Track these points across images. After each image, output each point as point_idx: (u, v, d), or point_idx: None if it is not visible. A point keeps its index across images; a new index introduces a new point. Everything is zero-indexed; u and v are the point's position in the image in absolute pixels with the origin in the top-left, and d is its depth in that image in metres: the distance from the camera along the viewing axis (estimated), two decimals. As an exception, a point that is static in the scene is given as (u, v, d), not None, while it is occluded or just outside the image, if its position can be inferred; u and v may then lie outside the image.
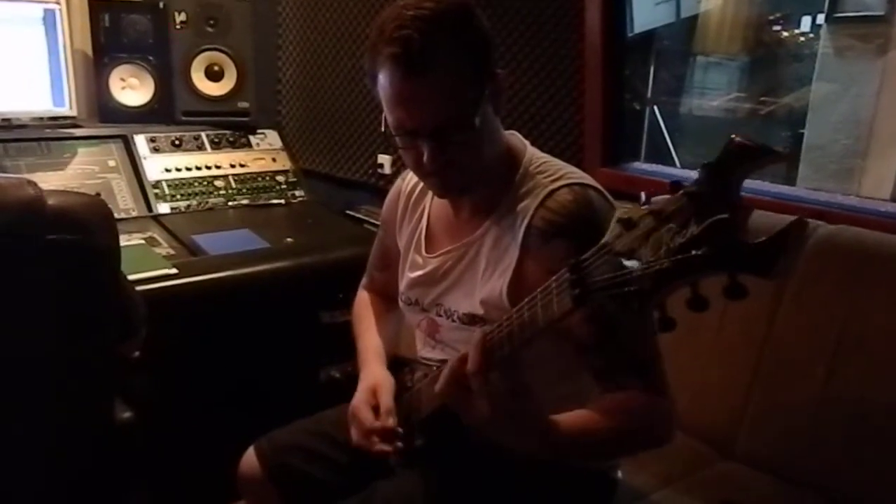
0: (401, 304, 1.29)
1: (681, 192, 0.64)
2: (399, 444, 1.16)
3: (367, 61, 1.05)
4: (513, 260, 1.07)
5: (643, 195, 0.69)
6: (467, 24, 1.03)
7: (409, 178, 1.29)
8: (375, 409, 1.19)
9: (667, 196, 0.65)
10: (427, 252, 1.22)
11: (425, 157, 1.04)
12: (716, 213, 0.61)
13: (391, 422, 1.17)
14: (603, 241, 0.73)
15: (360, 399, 1.22)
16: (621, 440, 1.02)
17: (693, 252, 0.61)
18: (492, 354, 0.89)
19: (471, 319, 1.13)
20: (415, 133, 1.04)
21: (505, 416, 0.89)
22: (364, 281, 1.48)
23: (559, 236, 1.03)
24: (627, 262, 0.68)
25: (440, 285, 1.19)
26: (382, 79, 1.03)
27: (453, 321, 1.17)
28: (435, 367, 1.15)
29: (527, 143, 1.17)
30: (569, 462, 1.09)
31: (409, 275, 1.25)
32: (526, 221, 1.06)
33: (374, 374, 1.25)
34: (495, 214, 1.11)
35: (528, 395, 0.91)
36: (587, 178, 1.10)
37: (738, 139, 0.62)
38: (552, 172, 1.10)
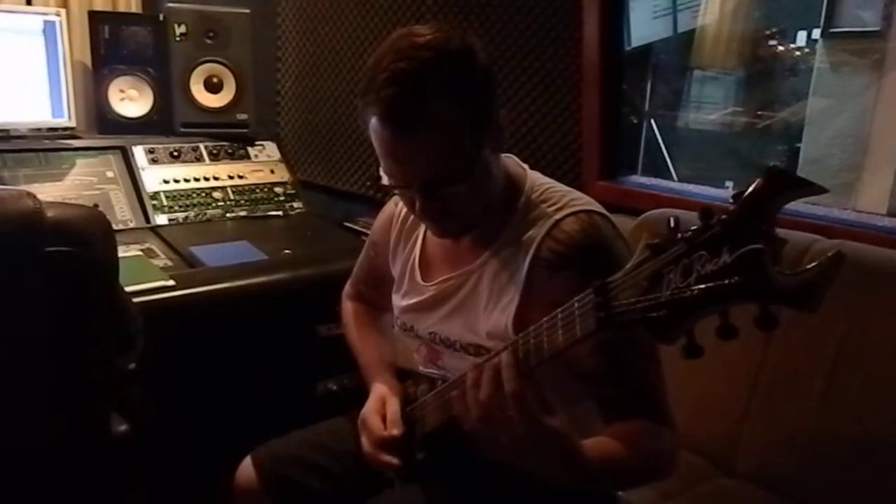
0: (395, 328, 1.28)
1: (714, 219, 0.64)
2: (400, 458, 1.15)
3: (359, 103, 1.01)
4: (518, 292, 1.04)
5: (672, 220, 0.68)
6: (466, 71, 0.98)
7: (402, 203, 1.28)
8: (385, 419, 1.18)
9: (697, 223, 0.65)
10: (423, 279, 1.20)
11: (417, 207, 1.03)
12: (749, 242, 0.60)
13: (395, 432, 1.16)
14: (630, 264, 0.72)
15: (370, 408, 1.21)
16: (635, 470, 0.99)
17: (725, 281, 0.61)
18: (527, 374, 0.85)
19: (477, 350, 1.11)
20: (406, 185, 1.02)
21: (539, 437, 0.84)
22: (350, 291, 1.47)
23: (567, 268, 1.00)
24: (655, 288, 0.67)
25: (437, 313, 1.16)
26: (373, 128, 0.99)
27: (456, 350, 1.15)
28: (440, 382, 1.14)
29: (525, 166, 1.14)
30: (585, 489, 1.04)
31: (404, 301, 1.23)
32: (531, 253, 1.04)
33: (384, 384, 1.25)
34: (497, 244, 1.09)
35: (556, 416, 0.87)
36: (592, 204, 1.07)
37: (776, 169, 0.62)
38: (556, 200, 1.07)
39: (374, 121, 0.98)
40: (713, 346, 0.67)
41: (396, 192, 1.08)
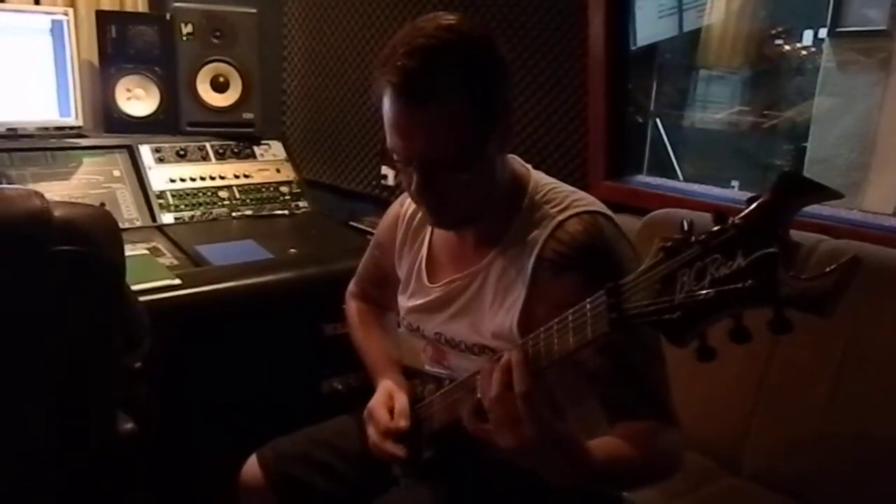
0: (402, 328, 1.29)
1: (729, 223, 0.63)
2: (407, 450, 1.15)
3: (374, 78, 1.03)
4: (522, 293, 1.05)
5: (685, 223, 0.68)
6: (483, 59, 0.99)
7: (409, 203, 1.27)
8: (392, 411, 1.18)
9: (709, 225, 0.65)
10: (430, 281, 1.20)
11: (414, 188, 1.04)
12: (764, 246, 0.60)
13: (403, 424, 1.16)
14: (643, 266, 0.72)
15: (377, 400, 1.21)
16: (642, 470, 0.99)
17: (739, 284, 0.61)
18: (536, 376, 0.85)
19: (482, 351, 1.11)
20: (408, 161, 1.03)
21: (547, 438, 0.84)
22: (354, 291, 1.47)
23: (571, 269, 1.01)
24: (668, 290, 0.67)
25: (443, 314, 1.17)
26: (384, 101, 1.01)
27: (461, 351, 1.15)
28: (447, 382, 1.15)
29: (529, 167, 1.15)
30: (594, 489, 1.05)
31: (410, 302, 1.23)
32: (535, 253, 1.04)
33: (391, 380, 1.25)
34: (501, 244, 1.09)
35: (565, 418, 0.87)
36: (595, 204, 1.07)
37: (791, 173, 0.62)
38: (559, 201, 1.07)
39: (386, 91, 0.99)
40: (720, 347, 0.67)
41: (398, 167, 1.08)
